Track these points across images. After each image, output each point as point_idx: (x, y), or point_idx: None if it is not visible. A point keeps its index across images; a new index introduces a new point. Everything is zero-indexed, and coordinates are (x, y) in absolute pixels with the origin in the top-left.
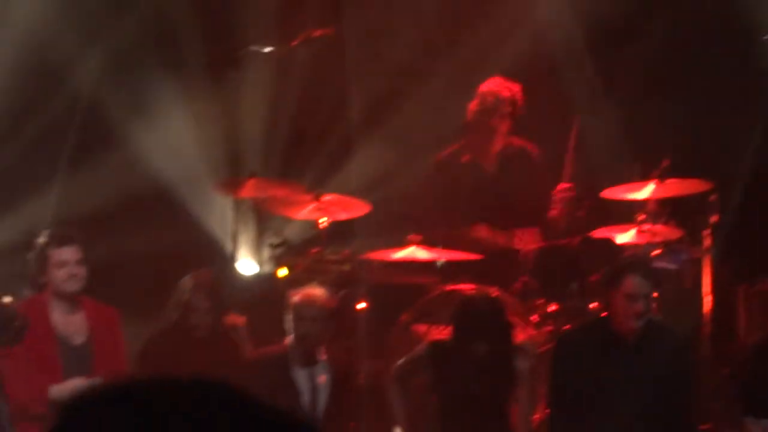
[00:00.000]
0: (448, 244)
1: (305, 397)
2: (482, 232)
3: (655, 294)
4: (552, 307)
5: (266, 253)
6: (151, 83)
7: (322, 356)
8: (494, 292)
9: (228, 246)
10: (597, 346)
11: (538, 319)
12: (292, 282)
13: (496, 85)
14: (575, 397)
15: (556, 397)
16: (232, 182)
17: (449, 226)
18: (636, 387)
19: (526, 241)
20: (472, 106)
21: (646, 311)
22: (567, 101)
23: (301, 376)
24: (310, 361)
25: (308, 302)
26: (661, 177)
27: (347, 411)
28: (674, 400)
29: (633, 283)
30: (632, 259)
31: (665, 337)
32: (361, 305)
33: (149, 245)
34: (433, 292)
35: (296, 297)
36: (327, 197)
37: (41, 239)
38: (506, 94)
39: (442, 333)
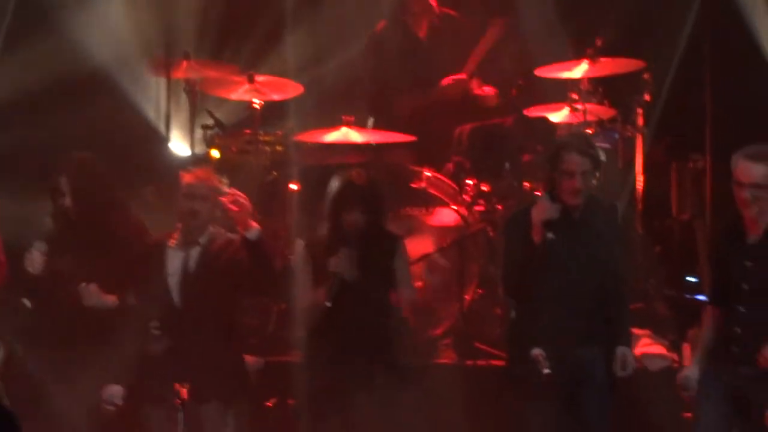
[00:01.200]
0: (380, 123)
1: (174, 279)
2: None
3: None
4: (484, 187)
5: (199, 134)
6: None
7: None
8: (428, 172)
9: (161, 127)
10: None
11: (469, 199)
12: (224, 163)
13: None
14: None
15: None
16: (165, 63)
17: (382, 102)
18: (579, 260)
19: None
20: None
21: (585, 188)
22: None
23: (175, 257)
24: (189, 242)
25: (198, 181)
26: (595, 56)
27: (268, 290)
28: (611, 272)
29: (571, 160)
30: (570, 136)
31: (606, 211)
32: (293, 186)
33: (83, 127)
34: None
35: (187, 176)
36: (260, 78)
37: None
38: None
39: None
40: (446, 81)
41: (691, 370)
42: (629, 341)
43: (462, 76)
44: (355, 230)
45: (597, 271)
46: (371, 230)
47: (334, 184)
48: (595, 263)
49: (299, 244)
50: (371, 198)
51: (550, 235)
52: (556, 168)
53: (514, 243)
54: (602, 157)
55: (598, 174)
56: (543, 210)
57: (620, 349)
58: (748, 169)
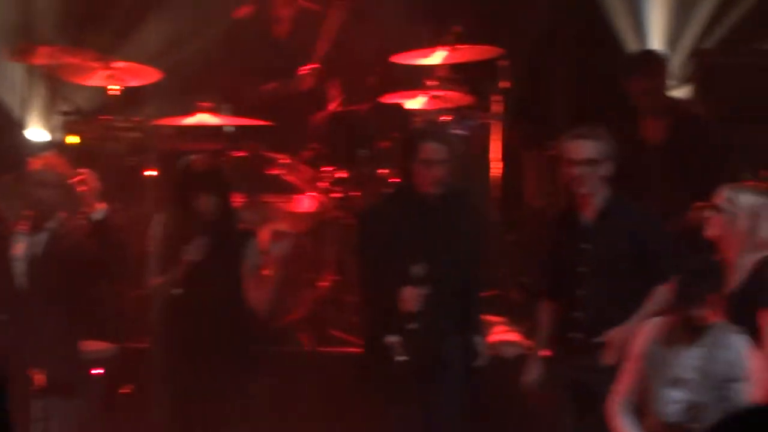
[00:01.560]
0: (238, 110)
1: (20, 264)
2: (269, 87)
3: None
4: (341, 174)
5: (57, 120)
6: None
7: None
8: (284, 159)
9: (18, 113)
10: (402, 214)
11: (327, 186)
12: (82, 149)
13: None
14: (384, 267)
15: (366, 269)
16: (23, 49)
17: (240, 89)
18: (436, 248)
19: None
20: None
21: (444, 176)
22: None
23: (22, 242)
24: (37, 228)
25: (46, 168)
26: (452, 42)
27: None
28: (467, 261)
29: (429, 148)
30: (427, 125)
31: (461, 198)
32: (151, 172)
33: None
34: (222, 158)
35: (35, 163)
36: (118, 64)
37: None
38: None
39: None
40: (301, 71)
41: (532, 372)
42: (481, 329)
43: (316, 65)
44: (203, 215)
45: (454, 260)
46: (220, 216)
47: (179, 169)
48: (451, 251)
49: (154, 229)
50: (215, 183)
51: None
52: (413, 158)
53: (367, 238)
54: (456, 144)
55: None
56: (410, 298)
57: (475, 339)
58: (578, 146)
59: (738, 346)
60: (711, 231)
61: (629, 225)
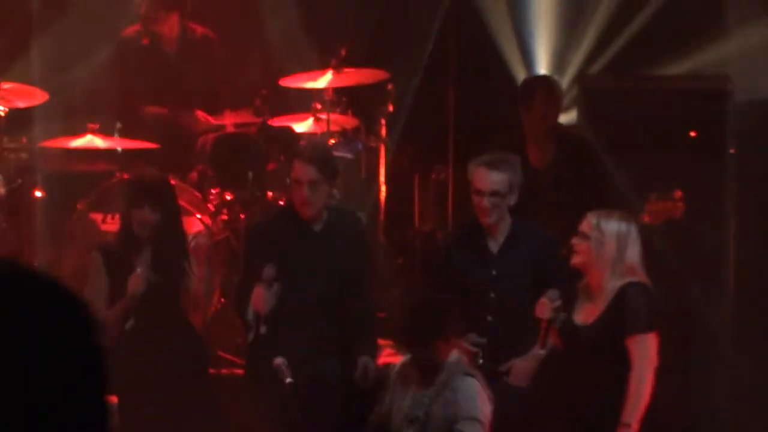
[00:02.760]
0: (126, 132)
1: None
2: (155, 111)
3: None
4: (228, 196)
5: None
6: None
7: None
8: (171, 180)
9: None
10: (284, 233)
11: (213, 209)
12: None
13: None
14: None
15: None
16: None
17: (128, 110)
18: (321, 273)
19: (201, 121)
20: None
21: (314, 198)
22: None
23: None
24: None
25: None
26: (339, 66)
27: None
28: (354, 285)
29: (298, 168)
30: (303, 145)
31: (347, 221)
32: (38, 193)
33: None
34: (110, 180)
35: None
36: (5, 85)
37: None
38: None
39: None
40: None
41: None
42: (374, 351)
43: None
44: (144, 229)
45: (340, 284)
46: (164, 230)
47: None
48: (337, 275)
49: (95, 256)
50: (159, 193)
51: (263, 330)
52: (290, 177)
53: (248, 259)
54: (336, 166)
55: (333, 184)
56: (258, 299)
57: (362, 359)
58: (485, 177)
59: (465, 388)
60: (577, 258)
61: (534, 251)
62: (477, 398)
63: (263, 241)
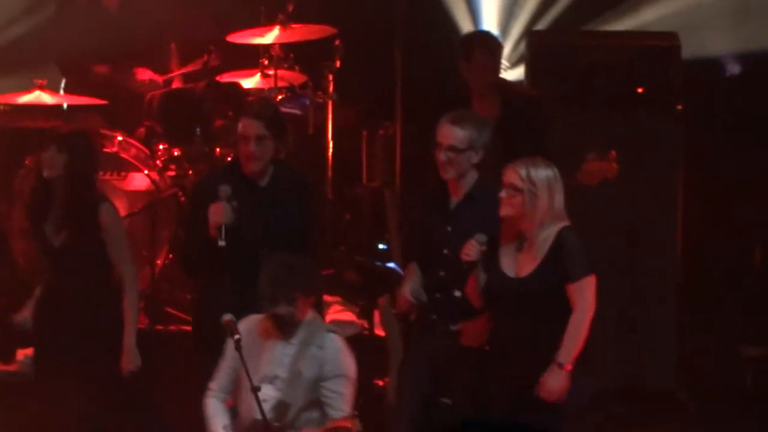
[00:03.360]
0: (73, 87)
1: None
2: (102, 70)
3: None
4: (176, 152)
5: None
6: None
7: None
8: (119, 135)
9: None
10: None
11: (161, 164)
12: None
13: None
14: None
15: (195, 243)
16: None
17: (73, 67)
18: (266, 230)
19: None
20: None
21: (261, 153)
22: None
23: None
24: None
25: None
26: (286, 22)
27: None
28: (302, 241)
29: (244, 124)
30: (252, 101)
31: (293, 178)
32: None
33: None
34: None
35: None
36: None
37: None
38: None
39: None
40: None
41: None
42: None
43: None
44: (52, 171)
45: (285, 240)
46: (74, 187)
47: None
48: (283, 232)
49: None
50: (68, 136)
51: (221, 242)
52: (237, 133)
53: (194, 214)
54: (284, 124)
55: (281, 142)
56: (215, 212)
57: None
58: (447, 131)
59: (332, 345)
60: (508, 210)
61: (490, 210)
62: (345, 355)
63: (209, 197)
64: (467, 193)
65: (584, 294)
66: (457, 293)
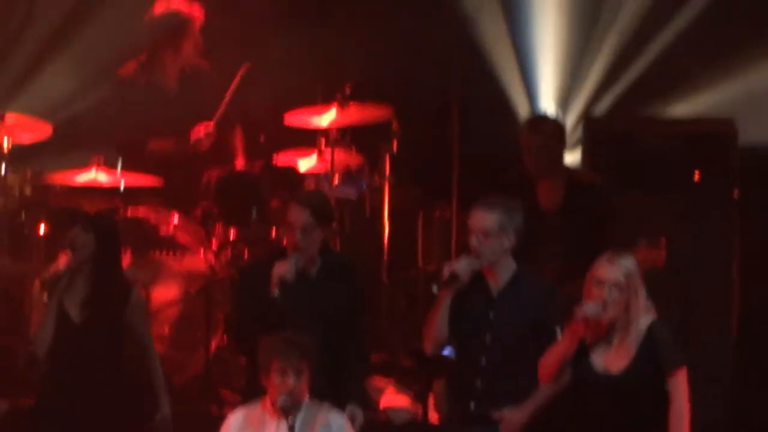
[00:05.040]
0: (129, 165)
1: None
2: (159, 144)
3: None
4: (232, 233)
5: None
6: None
7: None
8: (175, 215)
9: None
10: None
11: (216, 246)
12: None
13: (176, 4)
14: (258, 329)
15: (242, 329)
16: None
17: (129, 143)
18: (317, 318)
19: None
20: (151, 21)
21: (305, 242)
22: (251, 22)
23: None
24: None
25: None
26: (343, 103)
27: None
28: (348, 331)
29: (292, 211)
30: (302, 190)
31: (344, 268)
32: (42, 229)
33: None
34: (117, 215)
35: None
36: (9, 118)
37: None
38: (188, 11)
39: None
40: (196, 130)
41: None
42: (362, 398)
43: (210, 124)
44: (76, 252)
45: (333, 329)
46: (100, 268)
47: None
48: (331, 320)
49: (36, 283)
50: (93, 216)
51: (276, 292)
52: (284, 219)
53: (246, 296)
54: (331, 211)
55: (327, 230)
56: (279, 267)
57: (350, 407)
58: (478, 216)
59: (335, 422)
60: (615, 310)
61: (533, 297)
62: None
63: (256, 284)
64: (512, 278)
65: (680, 385)
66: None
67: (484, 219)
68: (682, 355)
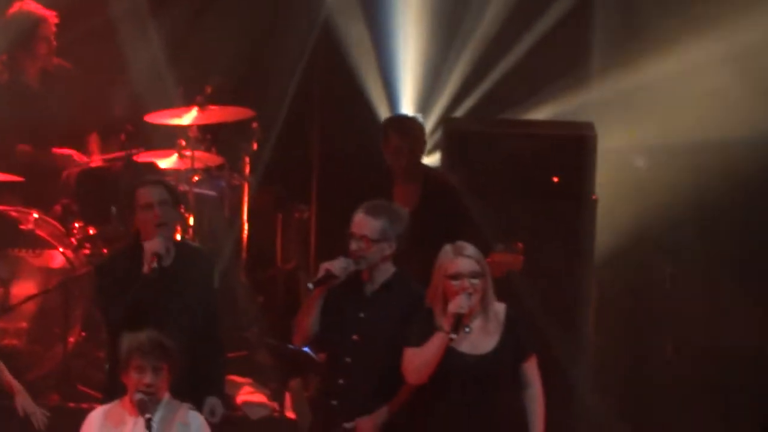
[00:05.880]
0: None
1: None
2: (24, 149)
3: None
4: (91, 230)
5: None
6: None
7: None
8: (34, 213)
9: None
10: (131, 270)
11: (76, 242)
12: None
13: (28, 5)
14: (120, 323)
15: (106, 322)
16: None
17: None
18: (168, 309)
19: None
20: (3, 23)
21: (166, 219)
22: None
23: None
24: None
25: None
26: (203, 103)
27: None
28: (203, 322)
29: (145, 192)
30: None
31: (197, 259)
32: None
33: None
34: None
35: None
36: None
37: None
38: (40, 13)
39: None
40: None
41: None
42: (220, 391)
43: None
44: None
45: (187, 321)
46: None
47: None
48: (185, 313)
49: None
50: None
51: (153, 268)
52: (134, 206)
53: (107, 291)
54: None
55: (181, 210)
56: (150, 245)
57: (209, 400)
58: (361, 222)
59: (194, 422)
60: (477, 297)
61: (405, 302)
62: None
63: (111, 280)
64: (385, 282)
65: (536, 370)
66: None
67: (368, 225)
68: (536, 342)
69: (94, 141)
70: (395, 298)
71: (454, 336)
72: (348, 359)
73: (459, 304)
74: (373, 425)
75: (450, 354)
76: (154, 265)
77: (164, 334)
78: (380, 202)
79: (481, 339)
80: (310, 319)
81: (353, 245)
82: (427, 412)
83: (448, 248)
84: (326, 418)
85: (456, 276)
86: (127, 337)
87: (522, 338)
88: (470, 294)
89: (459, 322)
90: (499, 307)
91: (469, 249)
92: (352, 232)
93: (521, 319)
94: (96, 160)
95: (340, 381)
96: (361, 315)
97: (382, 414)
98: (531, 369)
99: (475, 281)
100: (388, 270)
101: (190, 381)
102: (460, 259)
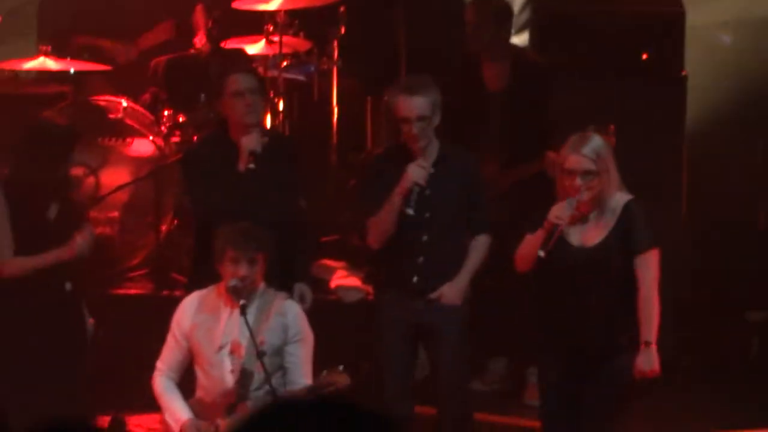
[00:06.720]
0: (77, 54)
1: None
2: (83, 41)
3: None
4: (180, 118)
5: None
6: None
7: None
8: (123, 101)
9: None
10: (220, 156)
11: (166, 130)
12: None
13: None
14: (211, 209)
15: (195, 213)
16: None
17: (78, 34)
18: (262, 201)
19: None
20: None
21: (255, 107)
22: None
23: None
24: None
25: None
26: None
27: None
28: (289, 208)
29: (236, 80)
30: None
31: (287, 147)
32: None
33: None
34: (66, 101)
35: None
36: None
37: None
38: None
39: None
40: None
41: None
42: (308, 277)
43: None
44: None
45: (278, 210)
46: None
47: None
48: (276, 202)
49: None
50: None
51: (250, 166)
52: (224, 93)
53: (196, 181)
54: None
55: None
56: (247, 140)
57: (298, 286)
58: (409, 103)
59: (290, 311)
60: (588, 195)
61: (462, 172)
62: (305, 321)
63: (200, 171)
64: (439, 157)
65: (650, 267)
66: None
67: (419, 105)
68: (654, 238)
69: (199, 13)
70: (453, 167)
71: (541, 254)
72: (425, 237)
73: (558, 213)
74: (457, 290)
75: (561, 246)
76: (251, 165)
77: (257, 226)
78: (413, 79)
79: (592, 232)
80: (389, 221)
81: (414, 129)
82: (540, 303)
83: (571, 139)
84: (408, 295)
85: (570, 171)
86: (222, 229)
87: (635, 232)
88: (577, 196)
89: (552, 234)
90: (620, 200)
91: (587, 146)
92: (404, 117)
93: (638, 213)
94: (201, 37)
95: (420, 259)
96: (427, 192)
97: (463, 278)
98: (643, 264)
99: (589, 178)
100: (435, 144)
101: (279, 268)
102: (574, 156)
